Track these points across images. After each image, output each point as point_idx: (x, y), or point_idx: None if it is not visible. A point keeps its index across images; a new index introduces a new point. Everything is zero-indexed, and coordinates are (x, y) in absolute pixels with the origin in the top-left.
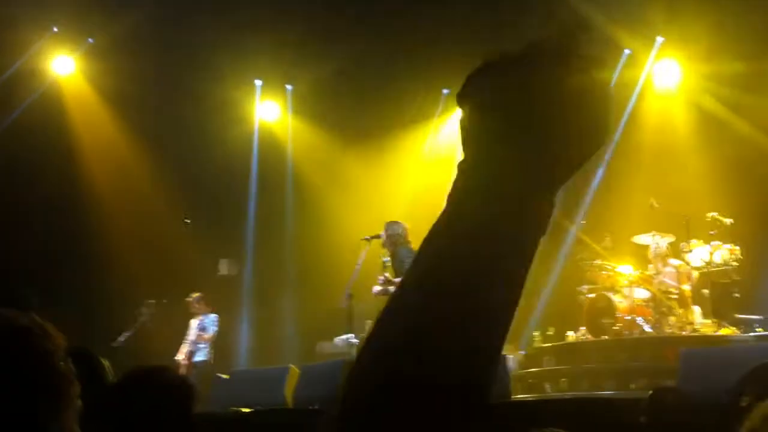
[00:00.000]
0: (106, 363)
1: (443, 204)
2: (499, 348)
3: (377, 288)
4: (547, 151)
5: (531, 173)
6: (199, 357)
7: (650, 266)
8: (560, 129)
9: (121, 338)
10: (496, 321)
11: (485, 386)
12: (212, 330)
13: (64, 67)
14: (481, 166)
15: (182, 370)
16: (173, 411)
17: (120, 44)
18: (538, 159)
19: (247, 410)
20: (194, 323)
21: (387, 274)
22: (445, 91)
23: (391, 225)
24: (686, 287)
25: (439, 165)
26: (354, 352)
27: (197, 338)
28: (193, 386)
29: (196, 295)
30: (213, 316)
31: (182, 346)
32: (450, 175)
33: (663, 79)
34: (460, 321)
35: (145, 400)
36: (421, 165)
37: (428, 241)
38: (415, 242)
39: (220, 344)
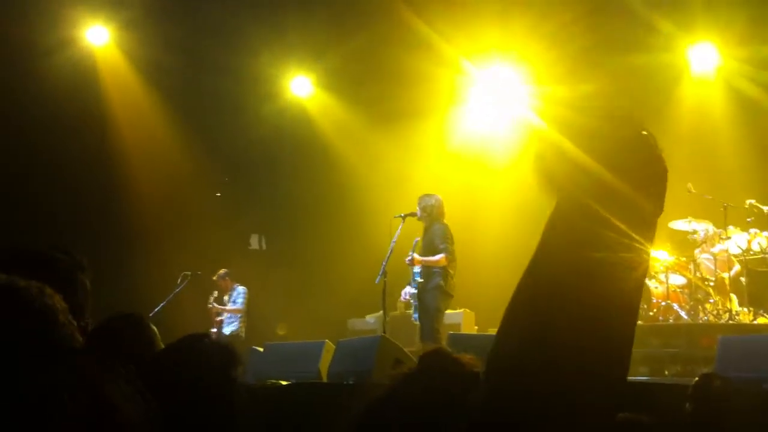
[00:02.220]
0: (155, 329)
1: (474, 183)
2: None
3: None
4: None
5: None
6: (230, 328)
7: (697, 250)
8: None
9: (157, 308)
10: None
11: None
12: (241, 302)
13: (98, 36)
14: None
15: None
16: (217, 379)
17: (153, 15)
18: None
19: (284, 383)
20: (225, 299)
21: (415, 254)
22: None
23: (424, 197)
24: (725, 275)
25: (471, 145)
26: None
27: (227, 311)
28: (236, 354)
29: (222, 271)
30: (242, 289)
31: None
32: (479, 154)
33: (700, 63)
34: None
35: (190, 367)
36: (455, 143)
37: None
38: (451, 218)
39: (251, 317)
